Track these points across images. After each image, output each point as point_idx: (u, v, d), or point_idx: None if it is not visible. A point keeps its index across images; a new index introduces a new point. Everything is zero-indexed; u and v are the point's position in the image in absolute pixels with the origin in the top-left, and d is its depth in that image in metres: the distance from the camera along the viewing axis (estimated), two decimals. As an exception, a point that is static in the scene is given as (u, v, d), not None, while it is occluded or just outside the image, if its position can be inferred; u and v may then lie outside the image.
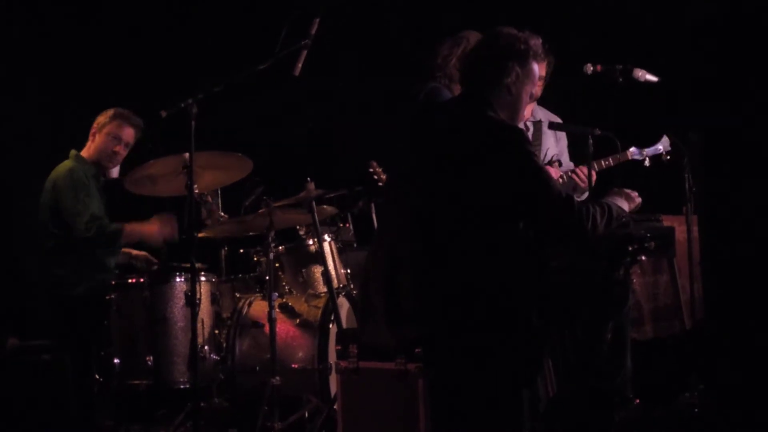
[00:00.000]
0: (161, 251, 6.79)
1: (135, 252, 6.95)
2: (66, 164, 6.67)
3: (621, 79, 5.84)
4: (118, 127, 6.75)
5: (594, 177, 6.26)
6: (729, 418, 5.16)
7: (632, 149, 6.35)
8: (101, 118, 6.77)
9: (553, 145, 6.47)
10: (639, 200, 4.71)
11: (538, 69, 4.68)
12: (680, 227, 5.86)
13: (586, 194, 6.29)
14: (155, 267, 6.82)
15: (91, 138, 6.79)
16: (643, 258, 4.65)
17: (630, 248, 4.54)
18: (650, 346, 6.15)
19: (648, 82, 5.88)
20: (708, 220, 5.19)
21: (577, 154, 6.39)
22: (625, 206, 4.63)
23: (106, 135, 6.75)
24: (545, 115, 6.44)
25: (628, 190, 4.72)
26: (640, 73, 5.86)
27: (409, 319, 4.35)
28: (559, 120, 6.38)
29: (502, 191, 4.32)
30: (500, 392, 4.28)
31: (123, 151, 6.81)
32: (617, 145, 6.29)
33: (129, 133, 6.79)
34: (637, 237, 4.56)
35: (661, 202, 5.94)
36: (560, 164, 6.33)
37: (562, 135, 6.51)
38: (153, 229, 6.65)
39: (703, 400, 5.53)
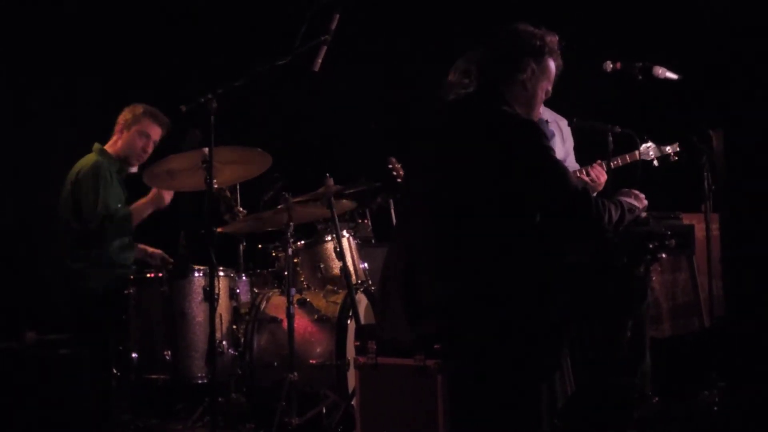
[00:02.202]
0: (180, 248, 6.78)
1: (150, 249, 6.96)
2: (91, 158, 6.68)
3: (640, 77, 5.82)
4: (149, 126, 6.78)
5: (605, 178, 6.27)
6: (749, 415, 5.15)
7: (641, 149, 6.35)
8: (129, 115, 6.79)
9: (560, 146, 6.45)
10: (646, 202, 4.70)
11: (554, 66, 4.68)
12: (699, 225, 5.86)
13: (596, 193, 6.29)
14: (170, 266, 6.82)
15: (118, 133, 6.80)
16: (664, 255, 4.64)
17: (651, 245, 4.53)
18: (670, 344, 6.14)
19: (668, 80, 5.87)
20: (729, 218, 5.18)
21: (593, 151, 6.38)
22: (636, 203, 4.62)
23: (136, 132, 6.77)
24: (551, 116, 6.44)
25: (635, 191, 4.72)
26: (660, 71, 5.84)
27: (427, 313, 4.35)
28: (564, 121, 6.38)
29: (519, 185, 4.32)
30: (519, 387, 4.28)
31: (151, 149, 6.83)
32: (636, 143, 6.30)
33: (157, 132, 6.83)
34: (657, 234, 4.56)
35: (681, 199, 5.94)
36: None
37: (569, 136, 6.51)
38: (153, 194, 6.71)
39: (722, 397, 5.52)
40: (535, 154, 4.36)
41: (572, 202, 4.34)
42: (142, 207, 6.78)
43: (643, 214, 4.65)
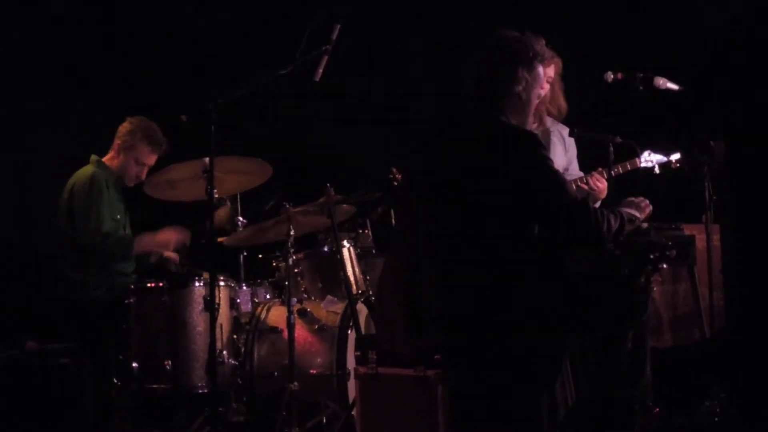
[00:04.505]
0: (180, 257, 6.77)
1: (167, 253, 6.93)
2: (87, 170, 6.66)
3: (641, 87, 5.82)
4: (146, 155, 6.74)
5: (605, 185, 6.26)
6: (750, 426, 5.15)
7: (641, 157, 6.34)
8: (128, 137, 6.73)
9: (561, 155, 6.44)
10: (649, 209, 4.70)
11: (543, 71, 4.70)
12: (700, 235, 5.85)
13: (599, 202, 6.28)
14: (185, 270, 6.81)
15: (115, 151, 6.76)
16: (665, 266, 4.64)
17: (652, 256, 4.53)
18: (671, 355, 6.14)
19: (669, 91, 5.86)
20: (731, 228, 5.18)
21: (595, 161, 6.38)
22: (638, 213, 4.62)
23: (133, 160, 6.73)
24: (553, 125, 6.43)
25: (639, 199, 4.72)
26: (661, 81, 5.84)
27: (429, 325, 4.34)
28: (566, 129, 6.38)
29: (519, 196, 4.32)
30: (519, 398, 4.28)
31: (144, 174, 6.80)
32: (637, 153, 6.29)
33: (153, 158, 6.80)
34: (658, 245, 4.56)
35: (681, 210, 5.94)
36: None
37: (572, 144, 6.50)
38: (164, 237, 6.66)
39: (724, 408, 5.51)
40: (534, 164, 4.36)
41: (570, 212, 4.34)
42: (147, 241, 6.73)
43: (644, 225, 4.65)
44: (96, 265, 6.50)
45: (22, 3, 7.72)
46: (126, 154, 6.73)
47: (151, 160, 6.80)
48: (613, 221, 4.40)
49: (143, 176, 6.78)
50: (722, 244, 5.81)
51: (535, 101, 4.67)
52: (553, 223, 4.38)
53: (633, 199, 4.73)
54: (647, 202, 4.73)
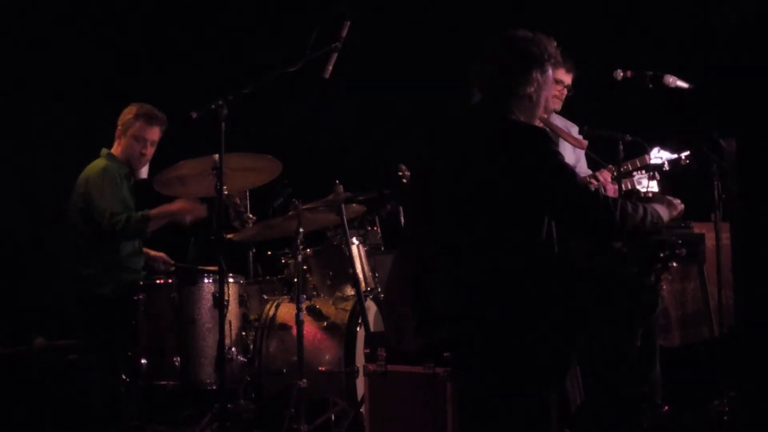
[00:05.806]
0: (189, 254, 6.78)
1: (153, 253, 6.93)
2: (99, 163, 6.68)
3: (651, 86, 5.80)
4: (143, 129, 6.75)
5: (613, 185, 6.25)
6: (759, 425, 5.13)
7: (650, 154, 6.33)
8: (124, 118, 6.77)
9: (570, 153, 6.44)
10: (681, 207, 4.68)
11: (553, 73, 4.70)
12: (709, 234, 5.84)
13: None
14: (172, 268, 6.83)
15: (117, 138, 6.80)
16: (674, 264, 4.62)
17: (662, 254, 4.52)
18: (679, 353, 6.13)
19: (679, 89, 5.85)
20: (740, 227, 5.16)
21: (604, 159, 6.38)
22: (665, 213, 4.58)
23: (132, 138, 6.75)
24: (562, 123, 6.42)
25: (670, 197, 4.70)
26: (670, 80, 5.82)
27: (437, 323, 4.34)
28: (575, 127, 6.37)
29: (529, 191, 4.31)
30: (528, 395, 4.28)
31: (150, 151, 6.82)
32: (646, 150, 6.28)
33: (154, 133, 6.80)
34: (668, 243, 4.54)
35: (691, 208, 5.92)
36: None
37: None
38: (179, 207, 6.64)
39: (732, 407, 5.50)
40: (543, 159, 4.36)
41: (581, 201, 4.33)
42: (163, 214, 6.73)
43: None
44: (107, 260, 6.51)
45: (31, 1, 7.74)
46: (126, 135, 6.76)
47: (151, 134, 6.78)
48: (630, 210, 4.35)
49: (148, 154, 6.79)
50: (732, 242, 5.79)
51: (544, 103, 4.67)
52: (565, 214, 4.37)
53: (663, 195, 4.71)
54: (678, 200, 4.71)
